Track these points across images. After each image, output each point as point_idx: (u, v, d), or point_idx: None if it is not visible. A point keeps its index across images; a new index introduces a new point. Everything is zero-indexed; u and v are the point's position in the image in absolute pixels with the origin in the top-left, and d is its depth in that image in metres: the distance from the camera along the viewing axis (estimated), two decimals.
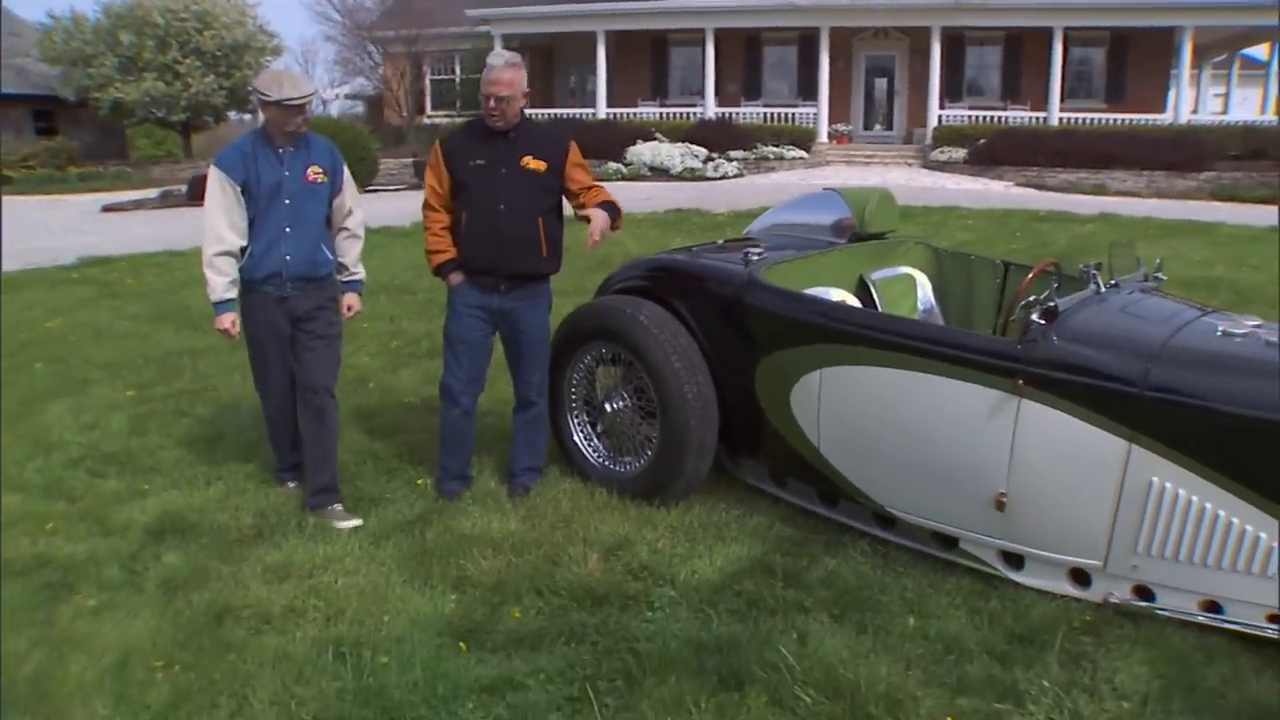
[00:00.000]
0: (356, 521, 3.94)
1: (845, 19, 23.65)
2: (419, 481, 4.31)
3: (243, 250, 3.88)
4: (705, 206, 15.05)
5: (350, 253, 4.12)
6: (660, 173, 21.02)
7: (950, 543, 3.52)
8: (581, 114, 24.91)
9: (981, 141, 21.32)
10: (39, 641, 3.07)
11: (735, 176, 20.91)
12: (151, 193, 20.21)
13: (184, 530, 3.87)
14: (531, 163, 3.89)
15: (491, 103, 3.81)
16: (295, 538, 3.79)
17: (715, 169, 21.00)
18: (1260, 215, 14.57)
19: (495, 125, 3.86)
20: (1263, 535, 2.96)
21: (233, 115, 27.10)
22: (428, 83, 28.55)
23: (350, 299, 4.15)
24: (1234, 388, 2.98)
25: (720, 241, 4.78)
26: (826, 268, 4.24)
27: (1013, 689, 2.85)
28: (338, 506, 4.02)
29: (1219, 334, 3.24)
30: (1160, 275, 4.01)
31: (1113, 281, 3.65)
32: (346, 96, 31.30)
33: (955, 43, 24.56)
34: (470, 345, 4.03)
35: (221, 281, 3.86)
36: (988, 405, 3.25)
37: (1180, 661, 2.99)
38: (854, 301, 4.11)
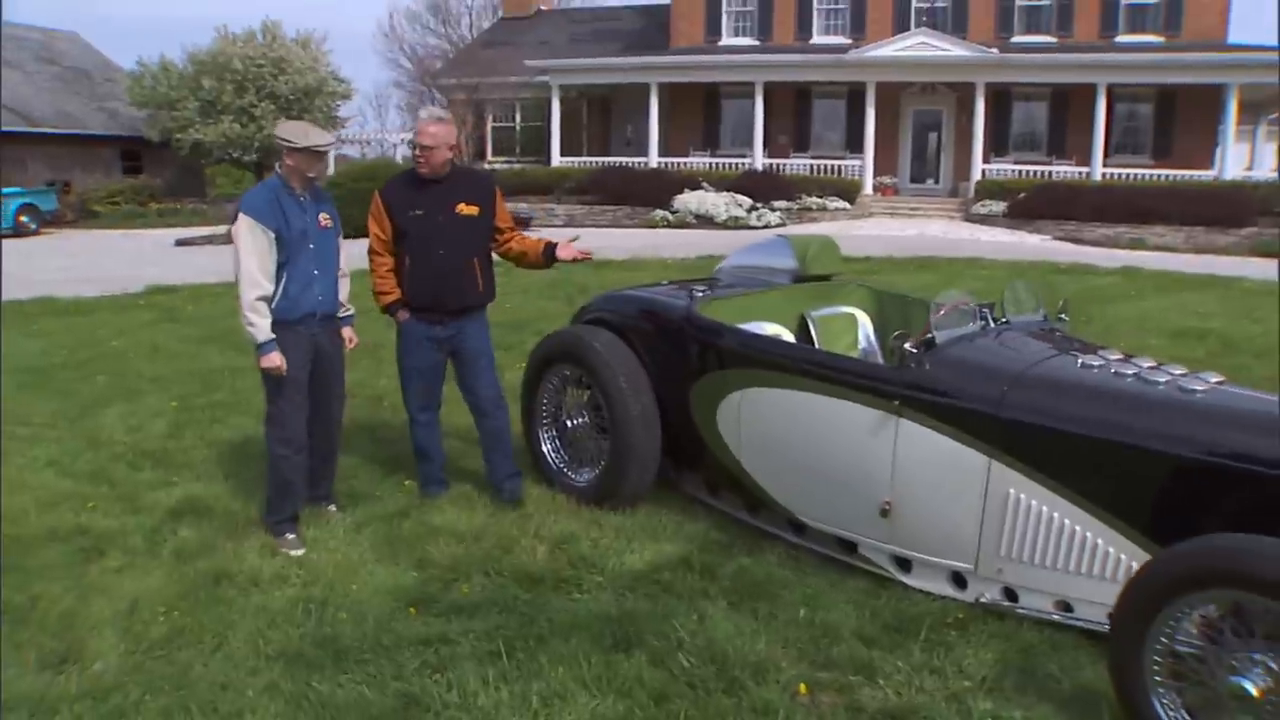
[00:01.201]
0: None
1: (890, 74, 24.27)
2: (406, 483, 4.92)
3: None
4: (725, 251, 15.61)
5: (343, 291, 4.47)
6: (705, 221, 21.70)
7: (850, 547, 4.00)
8: (634, 162, 25.80)
9: (1021, 195, 21.62)
10: (70, 589, 3.74)
11: (778, 226, 21.47)
12: (221, 229, 21.47)
13: (200, 513, 4.54)
14: (465, 209, 4.40)
15: (417, 150, 4.34)
16: None
17: (759, 218, 21.63)
18: None
19: (422, 171, 4.36)
20: (1100, 541, 3.39)
21: None
22: (489, 129, 29.74)
23: (348, 332, 4.54)
24: (1075, 411, 3.43)
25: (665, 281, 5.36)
26: (767, 304, 4.78)
27: (870, 666, 3.27)
28: (333, 507, 4.58)
29: (1078, 365, 3.69)
30: (1064, 316, 4.44)
31: (1004, 319, 4.12)
32: (409, 142, 32.67)
33: (1002, 98, 24.99)
34: (423, 372, 4.57)
35: (264, 324, 4.08)
36: (872, 423, 3.75)
37: (1027, 651, 3.38)
38: (787, 335, 4.65)
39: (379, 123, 41.28)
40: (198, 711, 2.93)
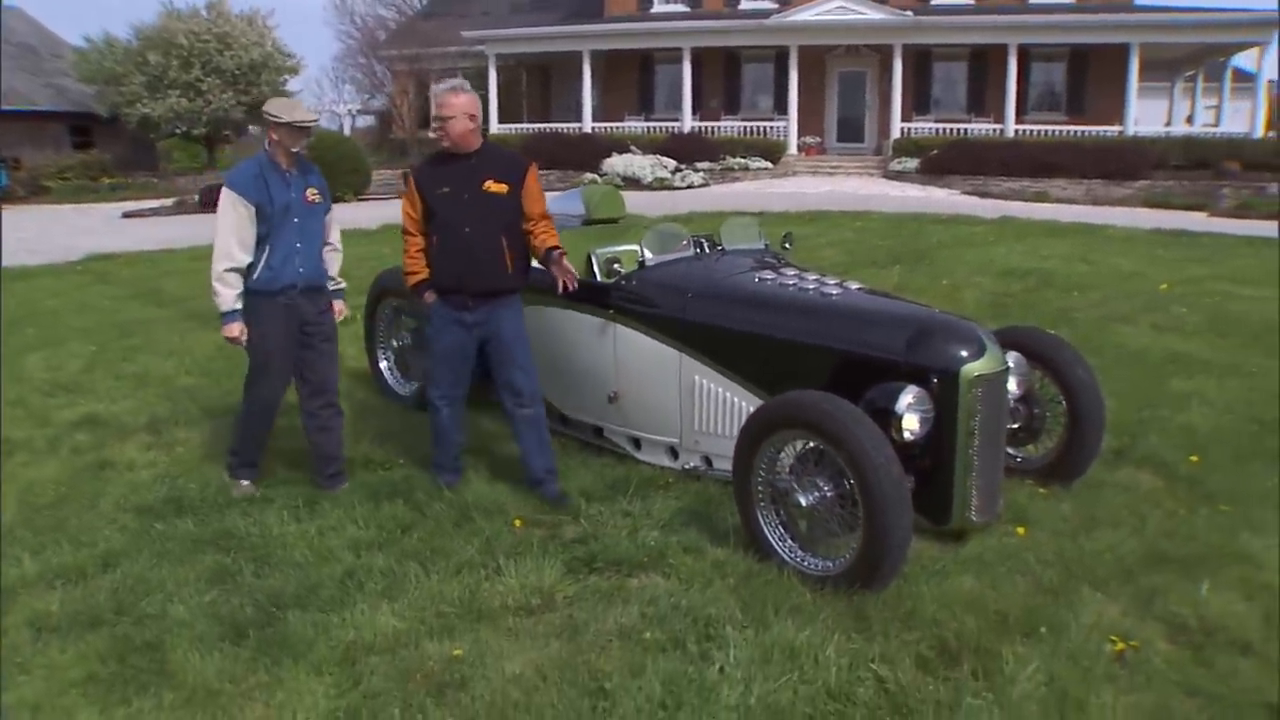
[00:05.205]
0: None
1: (811, 38, 25.23)
2: None
3: (250, 266, 4.28)
4: (646, 211, 16.67)
5: (334, 265, 4.62)
6: (633, 183, 22.60)
7: (599, 432, 5.13)
8: (569, 128, 26.70)
9: (934, 152, 22.76)
10: None
11: (700, 186, 22.49)
12: (169, 201, 22.28)
13: (96, 424, 5.65)
14: (493, 186, 4.27)
15: (436, 123, 4.30)
16: (173, 430, 5.52)
17: (682, 179, 22.62)
18: (1173, 220, 15.75)
19: (444, 144, 4.27)
20: None
21: (251, 129, 29.27)
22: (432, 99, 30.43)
23: (338, 305, 4.67)
24: (735, 313, 4.45)
25: None
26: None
27: (575, 510, 4.33)
28: (345, 485, 4.69)
29: (755, 280, 4.74)
30: (787, 245, 5.51)
31: (720, 247, 5.20)
32: (358, 112, 33.35)
33: (923, 59, 26.04)
34: (450, 356, 4.48)
35: (230, 294, 4.24)
36: (597, 329, 4.86)
37: (709, 502, 4.34)
38: None
39: (335, 94, 41.72)
40: (65, 541, 4.05)
